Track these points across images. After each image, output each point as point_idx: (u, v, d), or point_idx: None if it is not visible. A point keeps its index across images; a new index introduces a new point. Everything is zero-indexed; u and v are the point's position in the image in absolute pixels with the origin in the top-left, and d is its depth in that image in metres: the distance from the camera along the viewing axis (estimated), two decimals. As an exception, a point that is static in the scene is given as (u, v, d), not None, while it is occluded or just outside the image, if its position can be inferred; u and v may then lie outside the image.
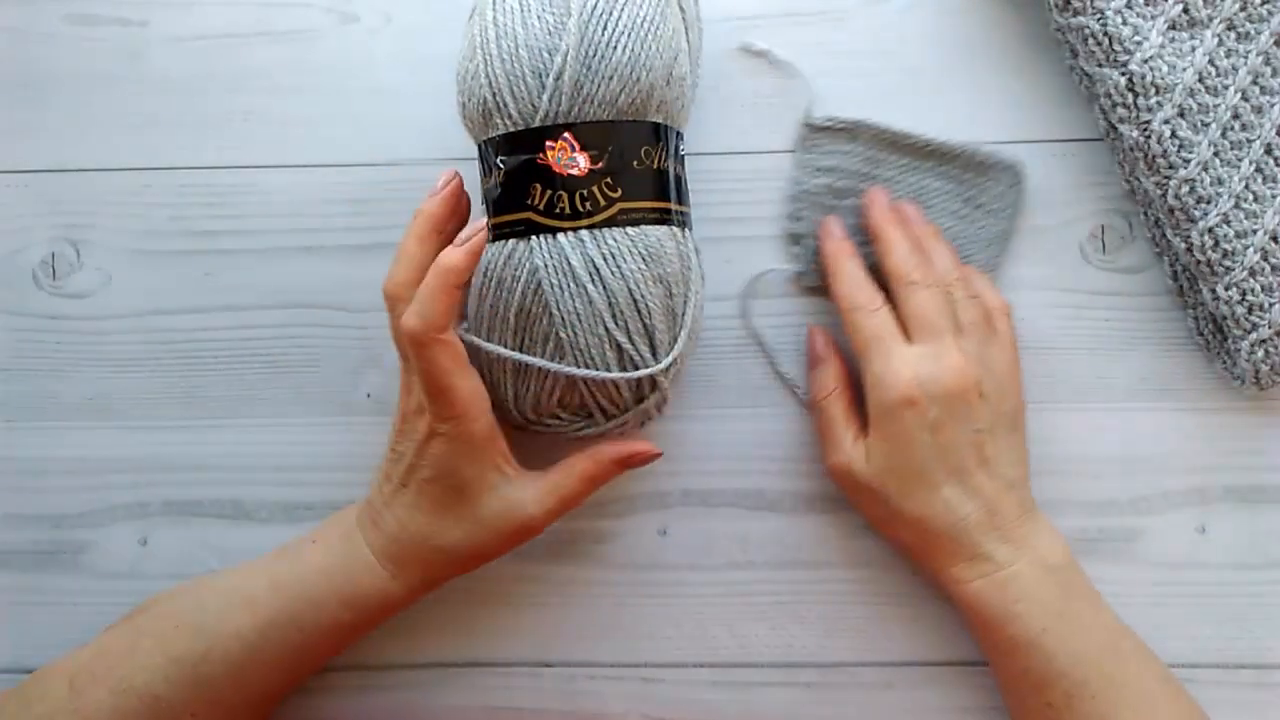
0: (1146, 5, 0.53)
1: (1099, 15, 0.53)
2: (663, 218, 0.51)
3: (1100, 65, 0.53)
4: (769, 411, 0.58)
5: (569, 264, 0.50)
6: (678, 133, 0.53)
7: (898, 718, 0.57)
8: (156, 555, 0.59)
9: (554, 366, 0.50)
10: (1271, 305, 0.53)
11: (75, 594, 0.59)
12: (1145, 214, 0.57)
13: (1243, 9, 0.54)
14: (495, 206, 0.51)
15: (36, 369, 0.60)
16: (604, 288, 0.50)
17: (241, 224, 0.59)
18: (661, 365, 0.51)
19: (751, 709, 0.58)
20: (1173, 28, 0.53)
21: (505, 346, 0.51)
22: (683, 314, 0.52)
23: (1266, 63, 0.54)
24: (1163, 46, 0.53)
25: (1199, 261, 0.54)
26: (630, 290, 0.50)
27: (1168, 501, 0.57)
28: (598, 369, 0.50)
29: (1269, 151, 0.54)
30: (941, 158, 0.57)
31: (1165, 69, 0.53)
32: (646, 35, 0.49)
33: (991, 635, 0.52)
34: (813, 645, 0.58)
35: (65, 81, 0.60)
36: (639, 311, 0.50)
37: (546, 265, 0.50)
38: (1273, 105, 0.54)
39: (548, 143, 0.49)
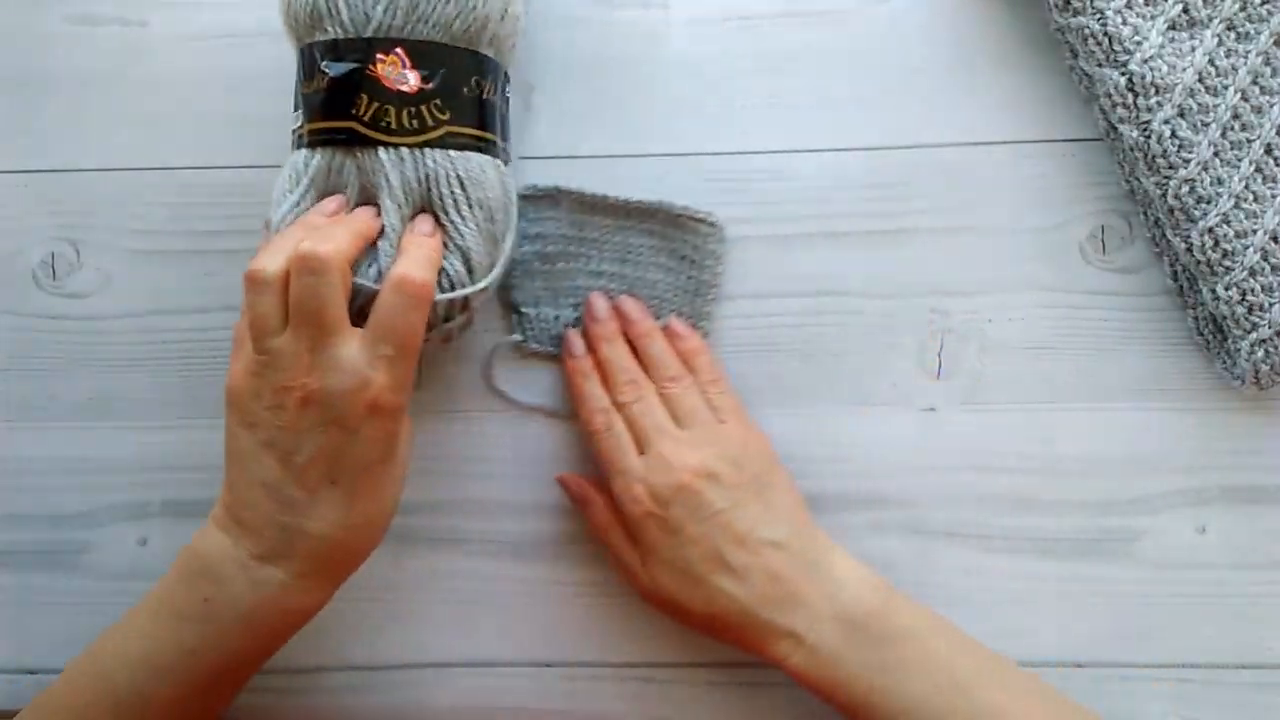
0: (1146, 5, 0.53)
1: (1099, 15, 0.53)
2: (486, 147, 0.52)
3: (1100, 65, 0.53)
4: (768, 412, 0.58)
5: (388, 179, 0.50)
6: (505, 71, 0.54)
7: (898, 718, 0.57)
8: (156, 555, 0.59)
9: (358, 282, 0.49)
10: (1271, 305, 0.53)
11: (75, 594, 0.59)
12: (1145, 214, 0.57)
13: (1242, 9, 0.54)
14: (317, 112, 0.51)
15: (36, 369, 0.60)
16: (419, 205, 0.51)
17: (242, 224, 0.59)
18: (477, 286, 0.52)
19: (752, 709, 0.58)
20: (1172, 28, 0.53)
21: None
22: (501, 241, 0.53)
23: (1266, 63, 0.54)
24: (1162, 46, 0.53)
25: (1199, 261, 0.54)
26: (445, 210, 0.51)
27: (1168, 501, 0.57)
28: None
29: (1269, 151, 0.54)
30: (643, 215, 0.58)
31: (1165, 69, 0.52)
32: None
33: (830, 704, 0.52)
34: (813, 645, 0.58)
35: (65, 81, 0.60)
36: (453, 232, 0.51)
37: (366, 179, 0.50)
38: (1272, 105, 0.54)
39: (379, 55, 0.50)
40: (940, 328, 0.58)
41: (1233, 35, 0.54)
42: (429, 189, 0.50)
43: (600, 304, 0.57)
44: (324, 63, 0.50)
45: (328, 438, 0.48)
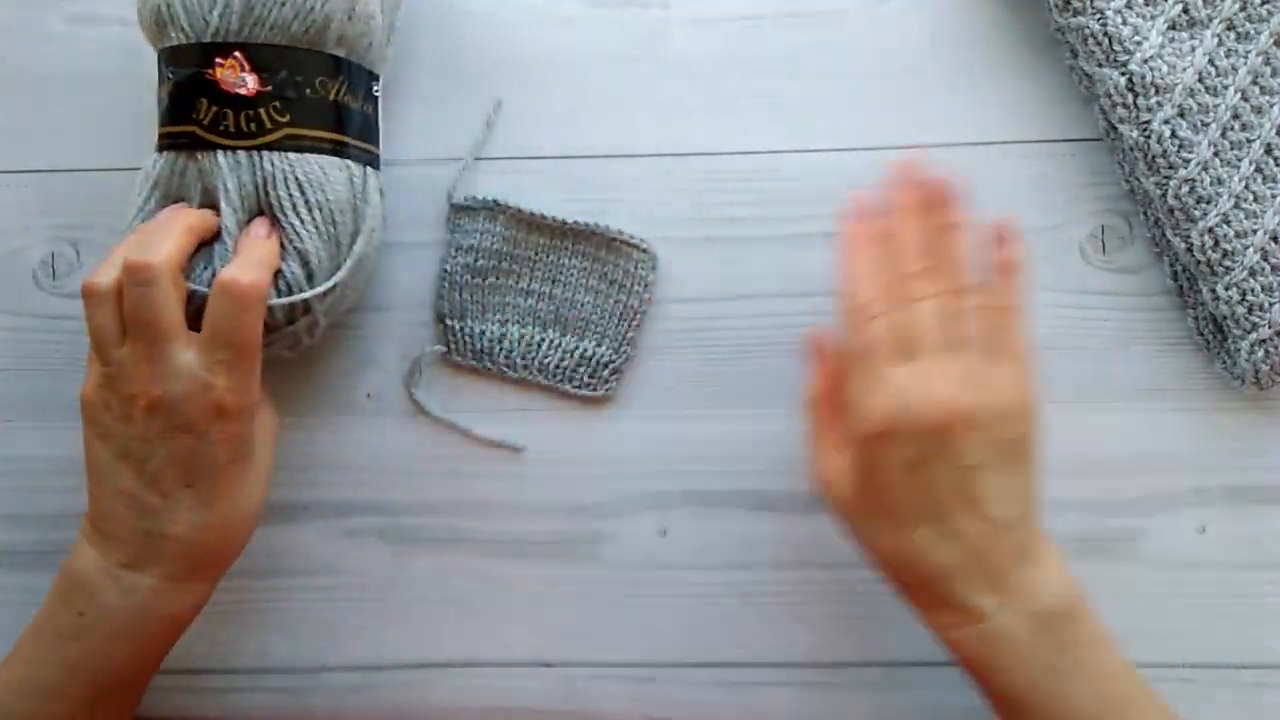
0: (1146, 5, 0.53)
1: (1099, 15, 0.53)
2: (336, 149, 0.52)
3: (1100, 65, 0.53)
4: (769, 412, 0.58)
5: (225, 183, 0.50)
6: (370, 72, 0.54)
7: (898, 718, 0.57)
8: (156, 555, 0.59)
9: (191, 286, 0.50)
10: (1272, 305, 0.53)
11: (75, 594, 0.59)
12: (1145, 214, 0.57)
13: (1242, 9, 0.54)
14: (164, 117, 0.52)
15: (36, 369, 0.60)
16: (256, 208, 0.51)
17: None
18: (317, 290, 0.51)
19: (751, 709, 0.58)
20: (1172, 28, 0.53)
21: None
22: (350, 245, 0.52)
23: (1266, 63, 0.54)
24: (1163, 46, 0.53)
25: (1199, 261, 0.54)
26: (285, 213, 0.51)
27: (1168, 501, 0.57)
28: None
29: (1269, 151, 0.54)
30: (577, 237, 0.58)
31: (1165, 69, 0.53)
32: None
33: (979, 685, 0.49)
34: (813, 645, 0.58)
35: (65, 81, 0.60)
36: (290, 235, 0.51)
37: (207, 181, 0.51)
38: (1272, 105, 0.54)
39: (217, 59, 0.50)
40: (940, 328, 0.58)
41: (1233, 35, 0.54)
42: (266, 191, 0.50)
43: (912, 171, 0.50)
44: (168, 68, 0.51)
45: (177, 443, 0.48)
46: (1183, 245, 0.54)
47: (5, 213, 0.60)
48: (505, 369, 0.58)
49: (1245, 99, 0.53)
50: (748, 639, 0.58)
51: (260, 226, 0.51)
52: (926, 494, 0.47)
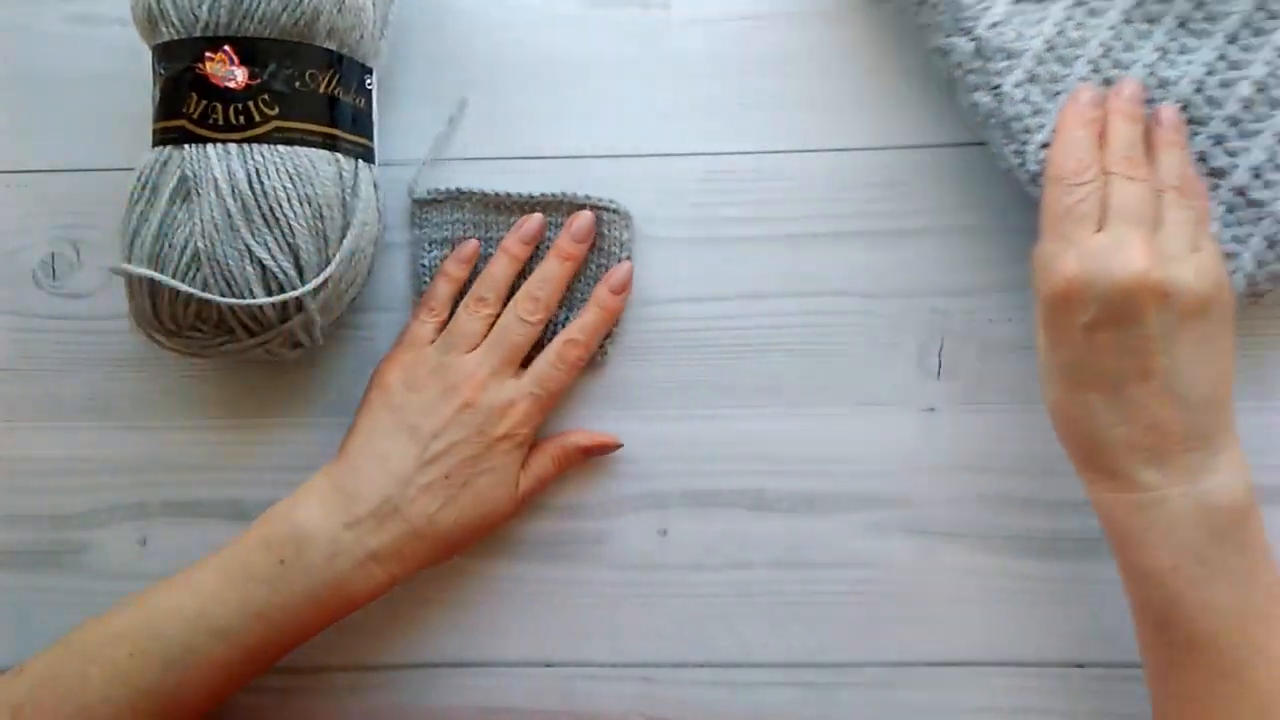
0: None
1: None
2: (327, 143, 0.52)
3: (949, 36, 0.53)
4: (769, 411, 0.58)
5: (213, 174, 0.50)
6: (362, 65, 0.54)
7: (898, 718, 0.57)
8: (156, 555, 0.59)
9: (169, 282, 0.50)
10: None
11: (75, 594, 0.59)
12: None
13: None
14: (156, 113, 0.52)
15: (37, 369, 0.60)
16: (243, 201, 0.50)
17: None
18: (305, 289, 0.51)
19: (751, 709, 0.58)
20: (1019, 0, 0.53)
21: (145, 251, 0.51)
22: (340, 240, 0.52)
23: (1117, 37, 0.53)
24: (1010, 15, 0.53)
25: None
26: (271, 206, 0.51)
27: (1168, 501, 0.57)
28: (236, 282, 0.51)
29: None
30: (547, 208, 0.58)
31: (1013, 35, 0.52)
32: None
33: (1118, 554, 0.49)
34: (813, 645, 0.58)
35: (65, 81, 0.60)
36: (281, 229, 0.51)
37: (192, 174, 0.50)
38: (1123, 80, 0.53)
39: (206, 53, 0.50)
40: (940, 328, 0.58)
41: (1082, 10, 0.53)
42: (255, 184, 0.50)
43: (1086, 93, 0.51)
44: (160, 65, 0.51)
45: (466, 442, 0.53)
46: None
47: (5, 213, 0.60)
48: None
49: (1096, 70, 0.53)
50: (748, 639, 0.58)
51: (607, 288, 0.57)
52: (1103, 359, 0.47)
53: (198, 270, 0.50)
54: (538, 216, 0.57)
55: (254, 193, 0.51)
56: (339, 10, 0.52)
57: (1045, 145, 0.52)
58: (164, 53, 0.51)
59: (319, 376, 0.59)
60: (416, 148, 0.59)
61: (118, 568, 0.59)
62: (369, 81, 0.55)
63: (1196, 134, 0.53)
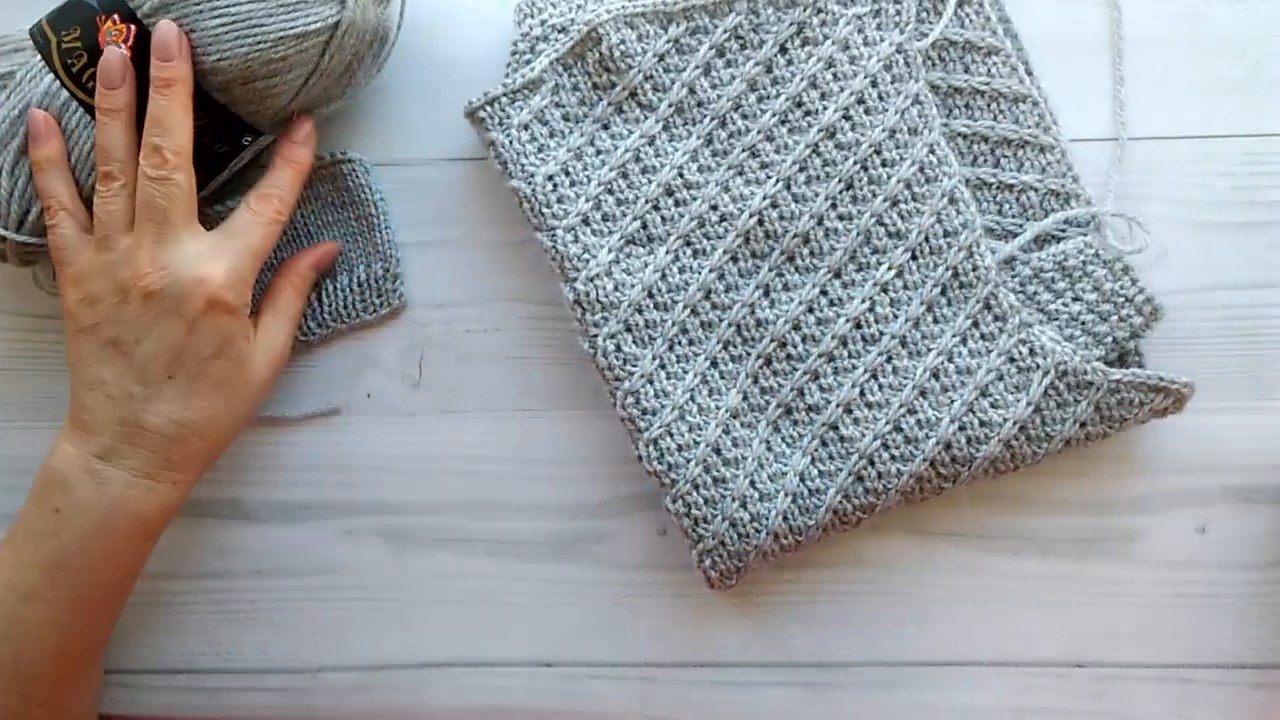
0: (604, 221, 0.55)
1: (551, 233, 0.54)
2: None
3: (560, 279, 0.55)
4: (769, 411, 0.58)
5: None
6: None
7: (898, 718, 0.57)
8: (156, 555, 0.59)
9: None
10: (714, 517, 0.53)
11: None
12: None
13: (699, 226, 0.55)
14: None
15: (36, 369, 0.60)
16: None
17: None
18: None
19: (751, 709, 0.58)
20: (630, 243, 0.55)
21: None
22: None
23: (720, 278, 0.55)
24: (614, 263, 0.54)
25: (649, 473, 0.54)
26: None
27: (1168, 501, 0.57)
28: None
29: (714, 365, 0.54)
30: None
31: (611, 286, 0.54)
32: None
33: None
34: (813, 645, 0.58)
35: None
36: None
37: None
38: (721, 320, 0.54)
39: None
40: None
41: (689, 251, 0.55)
42: None
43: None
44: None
45: (165, 329, 0.50)
46: (635, 453, 0.54)
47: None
48: (309, 336, 0.59)
49: (695, 314, 0.54)
50: (748, 639, 0.58)
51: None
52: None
53: None
54: (113, 51, 0.50)
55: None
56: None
57: (633, 392, 0.54)
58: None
59: (314, 376, 0.59)
60: (418, 147, 0.59)
61: (118, 568, 0.59)
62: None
63: (793, 371, 0.54)
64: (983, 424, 0.53)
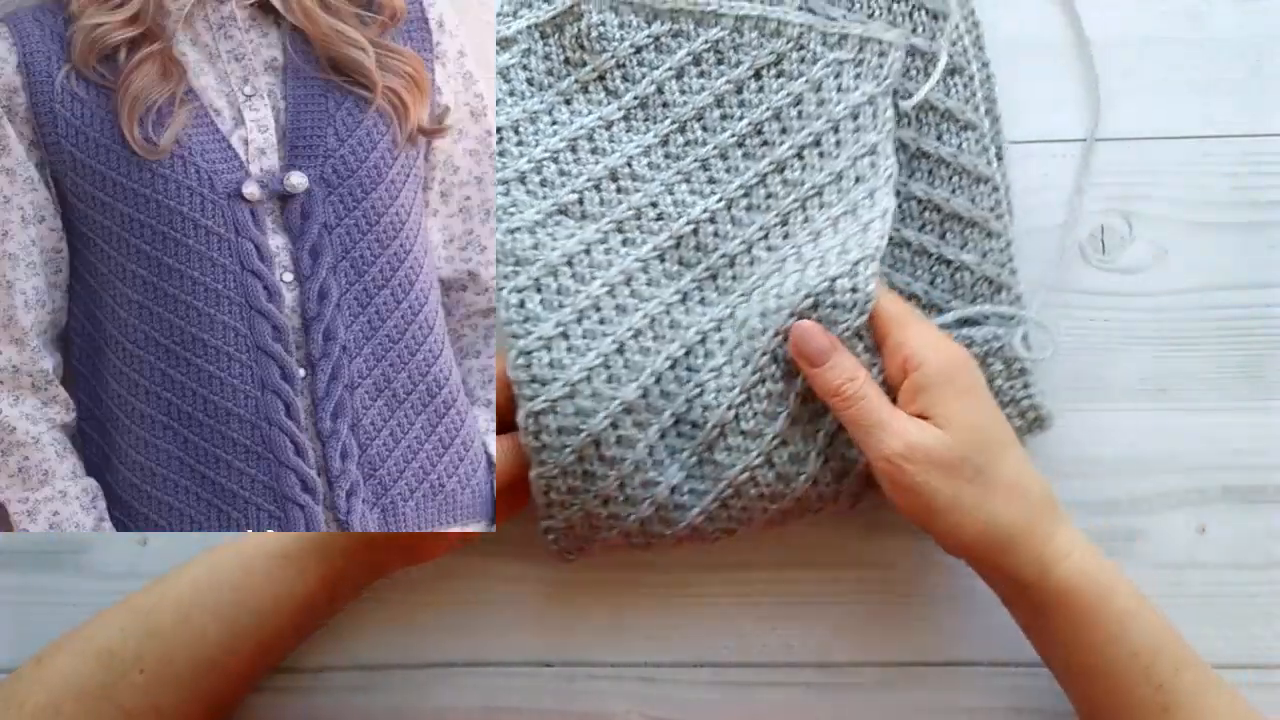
0: (542, 185, 0.55)
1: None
2: None
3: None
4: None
5: None
6: None
7: (898, 718, 0.57)
8: (157, 555, 0.59)
9: None
10: (572, 505, 0.53)
11: (75, 594, 0.59)
12: None
13: (636, 218, 0.55)
14: None
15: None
16: None
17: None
18: None
19: (751, 709, 0.58)
20: (561, 212, 0.55)
21: None
22: None
23: (644, 270, 0.55)
24: (538, 224, 0.54)
25: (522, 443, 0.53)
26: None
27: (1168, 501, 0.57)
28: None
29: (620, 352, 0.54)
30: None
31: (530, 243, 0.54)
32: None
33: (1095, 615, 0.49)
34: (813, 645, 0.58)
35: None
36: None
37: None
38: (637, 310, 0.54)
39: None
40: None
41: (619, 237, 0.55)
42: None
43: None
44: None
45: None
46: (519, 425, 0.53)
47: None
48: None
49: (612, 295, 0.54)
50: (748, 639, 0.58)
51: None
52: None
53: None
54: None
55: None
56: None
57: (525, 353, 0.52)
58: None
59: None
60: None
61: (118, 568, 0.59)
62: None
63: (686, 381, 0.54)
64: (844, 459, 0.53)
